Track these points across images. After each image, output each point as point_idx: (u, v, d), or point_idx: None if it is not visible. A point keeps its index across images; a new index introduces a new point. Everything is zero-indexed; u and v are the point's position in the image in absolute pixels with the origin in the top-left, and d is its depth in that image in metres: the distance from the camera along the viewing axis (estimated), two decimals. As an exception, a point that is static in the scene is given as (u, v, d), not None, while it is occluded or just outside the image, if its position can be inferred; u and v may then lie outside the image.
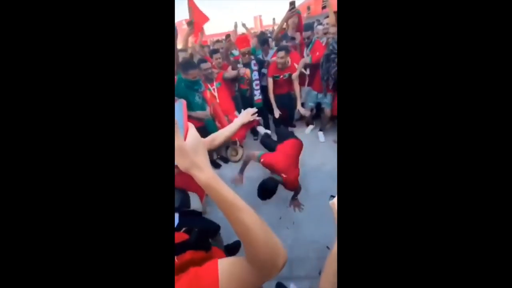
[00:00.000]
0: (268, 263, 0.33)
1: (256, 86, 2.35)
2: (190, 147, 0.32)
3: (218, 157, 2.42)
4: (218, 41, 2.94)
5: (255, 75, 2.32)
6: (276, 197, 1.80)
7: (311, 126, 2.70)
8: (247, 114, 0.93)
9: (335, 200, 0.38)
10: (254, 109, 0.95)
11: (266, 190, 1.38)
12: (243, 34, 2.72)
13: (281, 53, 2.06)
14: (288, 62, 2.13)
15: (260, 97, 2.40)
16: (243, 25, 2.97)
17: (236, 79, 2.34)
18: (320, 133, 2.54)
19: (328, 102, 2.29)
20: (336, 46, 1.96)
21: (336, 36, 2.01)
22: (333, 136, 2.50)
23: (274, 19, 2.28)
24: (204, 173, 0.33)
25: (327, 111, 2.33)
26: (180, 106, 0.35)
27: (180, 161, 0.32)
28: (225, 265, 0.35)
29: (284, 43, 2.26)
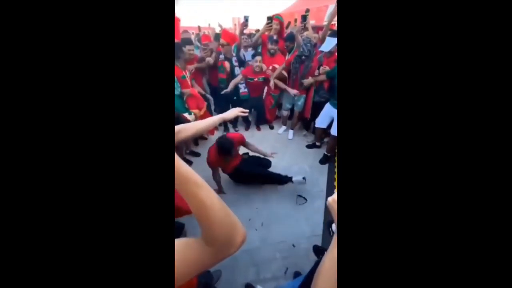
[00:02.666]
0: (225, 242, 0.34)
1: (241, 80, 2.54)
2: None
3: (187, 152, 2.33)
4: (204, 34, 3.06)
5: (237, 70, 2.50)
6: (246, 199, 1.83)
7: (283, 127, 2.89)
8: (236, 111, 0.91)
9: (335, 197, 0.39)
10: (245, 110, 0.95)
11: (222, 148, 1.57)
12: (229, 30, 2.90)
13: (259, 57, 2.28)
14: (263, 67, 2.39)
15: (246, 90, 2.60)
16: (219, 25, 3.10)
17: (208, 68, 2.48)
18: (291, 131, 2.75)
19: (299, 104, 2.47)
20: (306, 48, 2.16)
21: (308, 39, 2.21)
22: (303, 138, 2.66)
23: (246, 18, 2.43)
24: None
25: (296, 112, 2.56)
26: None
27: None
28: (179, 247, 0.34)
29: (269, 45, 2.42)
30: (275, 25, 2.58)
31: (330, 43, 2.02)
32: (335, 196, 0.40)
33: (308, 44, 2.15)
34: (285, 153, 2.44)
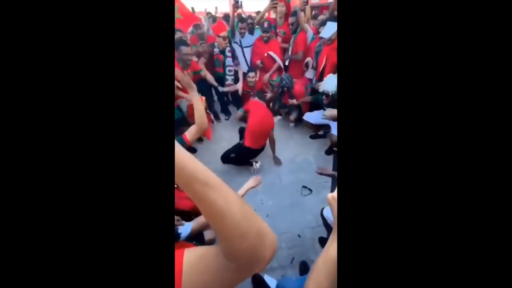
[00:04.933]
0: (250, 256, 0.26)
1: (229, 72, 2.59)
2: None
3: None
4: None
5: (229, 61, 2.53)
6: (250, 191, 1.86)
7: (278, 116, 2.88)
8: (255, 180, 1.17)
9: (335, 194, 0.39)
10: (260, 178, 1.21)
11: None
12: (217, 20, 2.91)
13: (252, 74, 2.45)
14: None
15: (232, 83, 2.64)
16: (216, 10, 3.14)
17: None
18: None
19: (293, 114, 2.56)
20: (287, 81, 2.37)
21: (287, 74, 2.45)
22: (305, 130, 2.65)
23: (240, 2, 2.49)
24: None
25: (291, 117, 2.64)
26: None
27: None
28: (191, 257, 0.28)
29: (262, 33, 2.48)
30: (280, 6, 2.53)
31: (331, 29, 1.94)
32: (334, 193, 0.39)
33: (290, 78, 2.41)
34: (289, 143, 2.45)
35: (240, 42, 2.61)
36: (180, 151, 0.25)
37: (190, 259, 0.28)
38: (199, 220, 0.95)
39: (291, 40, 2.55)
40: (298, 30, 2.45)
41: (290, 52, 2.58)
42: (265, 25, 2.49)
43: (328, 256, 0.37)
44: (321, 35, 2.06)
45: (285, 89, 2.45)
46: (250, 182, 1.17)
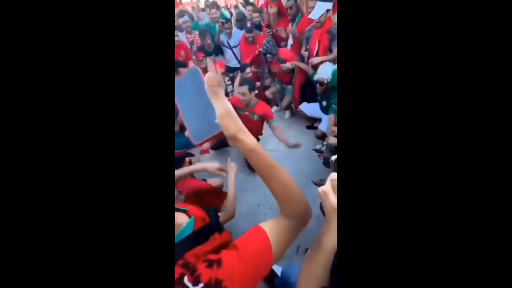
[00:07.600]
0: (305, 211, 0.41)
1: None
2: (233, 110, 0.34)
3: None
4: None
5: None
6: (252, 186, 1.89)
7: (275, 107, 2.86)
8: (232, 170, 1.15)
9: (325, 188, 0.38)
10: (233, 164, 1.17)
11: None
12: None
13: (243, 89, 1.72)
14: (254, 101, 1.84)
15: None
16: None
17: None
18: (287, 111, 2.79)
19: (290, 89, 2.51)
20: (269, 47, 2.20)
21: (269, 39, 2.29)
22: (303, 122, 2.66)
23: None
24: (249, 136, 0.35)
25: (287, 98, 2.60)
26: (195, 74, 0.37)
27: (227, 125, 0.33)
28: (271, 227, 0.40)
29: (246, 34, 2.45)
30: (270, 8, 2.49)
31: (319, 10, 1.86)
32: (325, 187, 0.39)
33: (271, 42, 2.27)
34: (287, 134, 2.45)
35: (228, 44, 2.63)
36: (259, 148, 0.36)
37: (271, 231, 0.39)
38: (226, 214, 1.01)
39: (296, 20, 2.37)
40: (300, 14, 2.35)
41: (295, 28, 2.36)
42: (248, 25, 2.48)
43: (320, 244, 0.38)
44: (310, 16, 1.97)
45: (269, 55, 2.31)
46: (231, 176, 1.15)
